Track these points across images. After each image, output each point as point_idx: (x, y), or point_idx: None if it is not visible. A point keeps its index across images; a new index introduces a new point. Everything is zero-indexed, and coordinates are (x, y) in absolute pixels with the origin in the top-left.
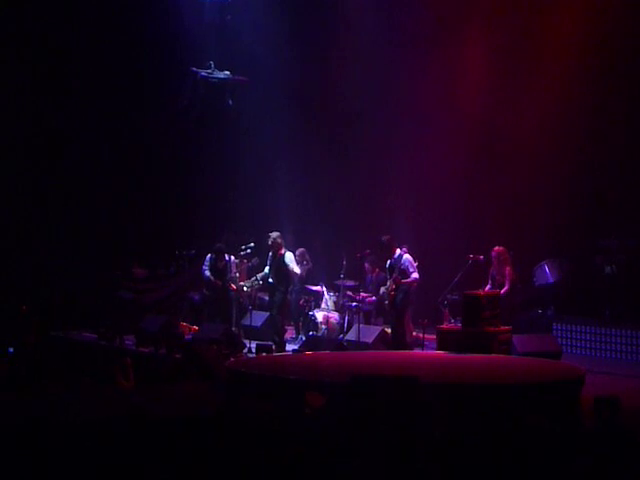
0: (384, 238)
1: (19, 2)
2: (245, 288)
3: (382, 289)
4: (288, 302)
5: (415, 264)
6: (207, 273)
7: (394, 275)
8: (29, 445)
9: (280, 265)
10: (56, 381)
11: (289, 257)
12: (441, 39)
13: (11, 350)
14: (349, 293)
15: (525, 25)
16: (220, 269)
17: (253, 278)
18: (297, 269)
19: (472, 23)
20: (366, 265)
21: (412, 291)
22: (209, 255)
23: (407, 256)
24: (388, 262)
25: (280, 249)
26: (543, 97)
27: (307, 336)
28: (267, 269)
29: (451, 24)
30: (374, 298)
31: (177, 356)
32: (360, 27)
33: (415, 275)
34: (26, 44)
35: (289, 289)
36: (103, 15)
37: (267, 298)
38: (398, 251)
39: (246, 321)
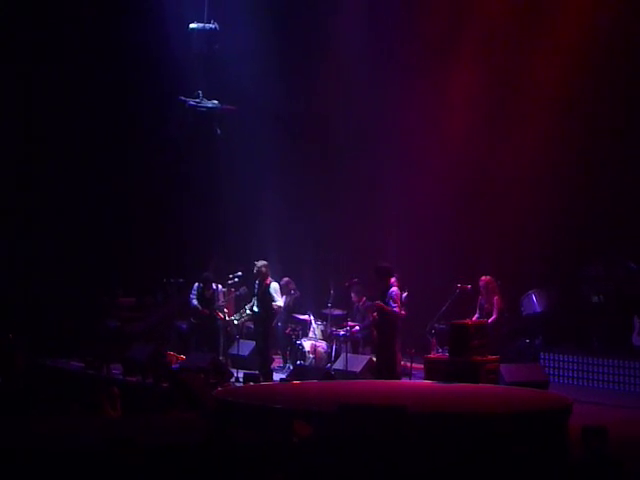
0: (381, 265)
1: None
2: (235, 322)
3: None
4: (274, 331)
5: (404, 295)
6: (194, 302)
7: (377, 301)
8: (17, 474)
9: (265, 294)
10: (43, 410)
11: (274, 287)
12: (430, 67)
13: None
14: (336, 329)
15: (514, 56)
16: (207, 298)
17: (242, 310)
18: (280, 301)
19: (462, 50)
20: (352, 295)
21: (397, 323)
22: (196, 284)
23: (394, 289)
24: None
25: (266, 278)
26: (529, 131)
27: (295, 365)
28: (254, 298)
29: (441, 51)
30: (357, 328)
31: (164, 385)
32: (348, 56)
33: (395, 309)
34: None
35: (274, 318)
36: (91, 44)
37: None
38: (393, 280)
39: (233, 350)
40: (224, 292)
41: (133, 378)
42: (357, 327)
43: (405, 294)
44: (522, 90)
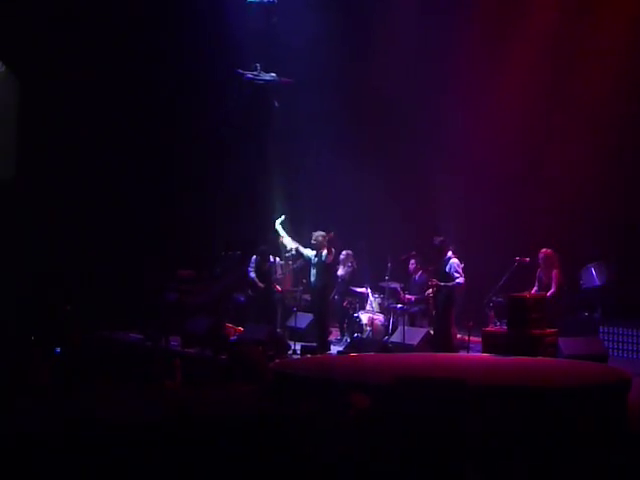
0: (437, 240)
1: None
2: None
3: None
4: (331, 303)
5: (461, 266)
6: (252, 274)
7: (432, 279)
8: (76, 446)
9: (321, 265)
10: (102, 382)
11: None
12: (490, 41)
13: (58, 350)
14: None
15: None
16: (265, 271)
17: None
18: (305, 250)
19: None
20: (411, 266)
21: (456, 294)
22: (254, 257)
23: (454, 260)
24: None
25: (323, 248)
26: (593, 100)
27: (352, 338)
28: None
29: (500, 29)
30: (417, 307)
31: (222, 357)
32: (406, 30)
33: (459, 280)
34: (75, 46)
35: (331, 290)
36: (148, 19)
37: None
38: (449, 253)
39: (291, 322)
40: (282, 265)
41: (191, 350)
42: (412, 298)
43: (462, 265)
44: (581, 72)
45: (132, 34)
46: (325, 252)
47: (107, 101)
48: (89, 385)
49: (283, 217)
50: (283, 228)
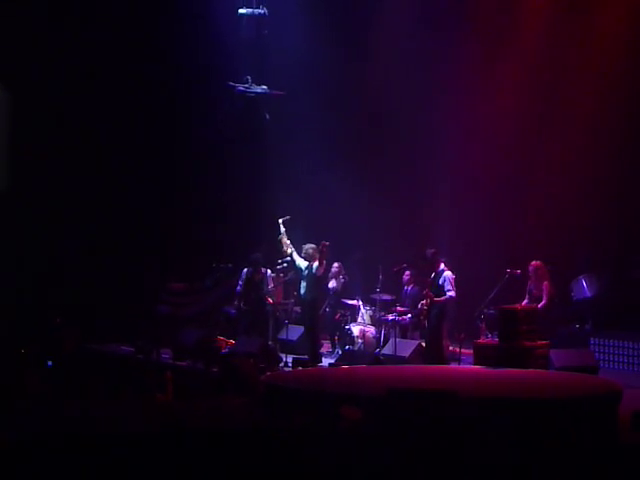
0: (429, 252)
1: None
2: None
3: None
4: (322, 316)
5: (454, 278)
6: (238, 289)
7: (426, 290)
8: (67, 459)
9: (312, 277)
10: (94, 395)
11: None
12: (484, 48)
13: (50, 364)
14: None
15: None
16: (256, 282)
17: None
18: (299, 259)
19: (513, 38)
20: (405, 277)
21: (448, 307)
22: (245, 270)
23: (448, 273)
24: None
25: (314, 261)
26: (578, 117)
27: (343, 350)
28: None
29: (492, 38)
30: (409, 315)
31: (214, 370)
32: (399, 40)
33: (451, 294)
34: (62, 51)
35: (322, 302)
36: (140, 29)
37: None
38: (442, 266)
39: (282, 335)
40: (273, 277)
41: (183, 363)
42: (409, 315)
43: (453, 277)
44: (571, 76)
45: (125, 46)
46: (316, 264)
47: (99, 111)
48: (81, 398)
49: (288, 217)
50: (285, 227)
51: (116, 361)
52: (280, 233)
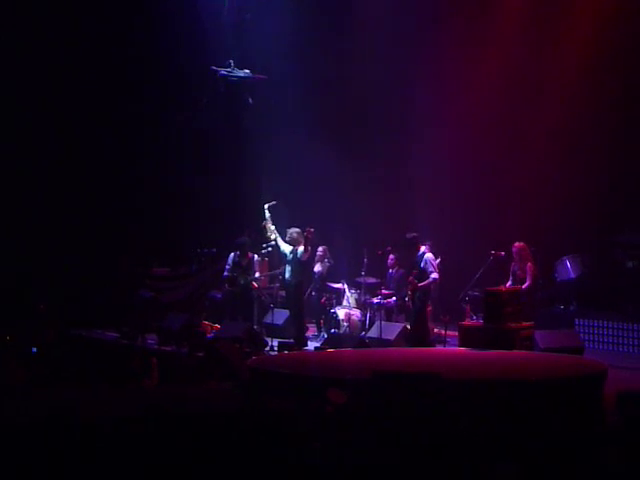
0: (409, 236)
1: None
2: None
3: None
4: (307, 299)
5: (437, 262)
6: (226, 274)
7: (410, 277)
8: (50, 444)
9: (297, 262)
10: (78, 380)
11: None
12: (465, 34)
13: (34, 350)
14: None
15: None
16: (244, 266)
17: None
18: (283, 245)
19: (487, 30)
20: (390, 261)
21: (432, 289)
22: (232, 254)
23: (428, 255)
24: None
25: (299, 245)
26: (560, 98)
27: (329, 333)
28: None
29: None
30: (394, 298)
31: (199, 354)
32: (380, 23)
33: (434, 275)
34: (43, 36)
35: (306, 286)
36: (123, 14)
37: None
38: (423, 249)
39: (268, 319)
40: (259, 261)
41: (168, 348)
42: (394, 298)
43: (438, 260)
44: (549, 63)
45: (105, 32)
46: (301, 249)
47: (76, 99)
48: (66, 384)
49: (274, 202)
50: (270, 213)
51: (101, 347)
52: (265, 219)
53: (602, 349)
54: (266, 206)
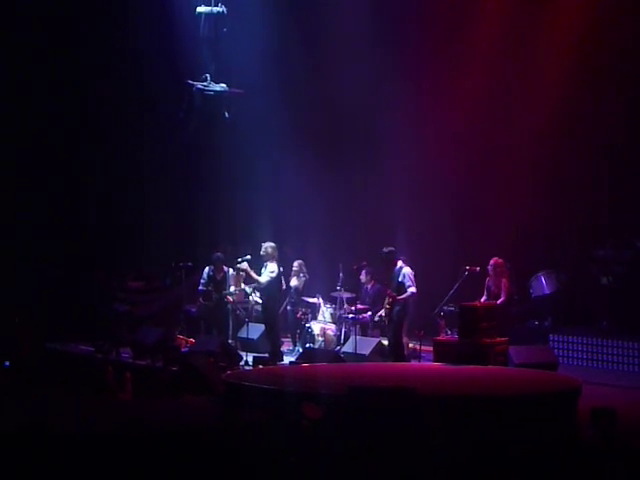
0: (386, 250)
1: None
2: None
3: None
4: (282, 314)
5: (413, 274)
6: (201, 288)
7: (389, 291)
8: (23, 458)
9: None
10: (51, 393)
11: (271, 267)
12: (445, 36)
13: (7, 364)
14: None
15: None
16: (219, 280)
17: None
18: (261, 278)
19: (469, 27)
20: (362, 277)
21: (409, 304)
22: (207, 268)
23: (406, 269)
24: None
25: (272, 260)
26: (537, 112)
27: (304, 348)
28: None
29: (449, 27)
30: (369, 313)
31: (174, 369)
32: (356, 36)
33: (412, 289)
34: (26, 57)
35: (278, 301)
36: (100, 28)
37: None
38: (399, 263)
39: (243, 333)
40: (233, 276)
41: (142, 362)
42: (369, 313)
43: (412, 273)
44: (535, 75)
45: (81, 45)
46: (271, 266)
47: (52, 110)
48: (40, 397)
49: (249, 257)
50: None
51: (75, 360)
52: (241, 270)
53: (576, 365)
54: (238, 265)
